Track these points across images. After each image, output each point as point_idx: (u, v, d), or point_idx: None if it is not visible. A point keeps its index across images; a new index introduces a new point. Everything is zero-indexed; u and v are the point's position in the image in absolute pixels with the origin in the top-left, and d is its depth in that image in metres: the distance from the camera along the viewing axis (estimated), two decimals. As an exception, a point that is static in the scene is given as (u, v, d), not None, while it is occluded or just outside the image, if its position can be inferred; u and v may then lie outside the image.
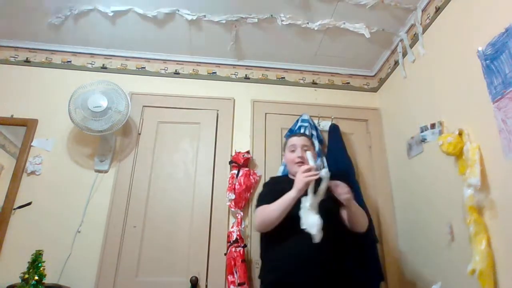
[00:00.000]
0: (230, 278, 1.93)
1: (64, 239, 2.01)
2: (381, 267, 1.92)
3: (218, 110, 2.44)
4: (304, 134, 1.89)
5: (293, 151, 1.68)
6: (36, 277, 1.62)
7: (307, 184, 1.41)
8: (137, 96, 2.40)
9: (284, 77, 2.64)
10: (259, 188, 2.22)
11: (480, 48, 1.51)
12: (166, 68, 2.56)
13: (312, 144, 1.79)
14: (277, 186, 1.62)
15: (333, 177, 1.47)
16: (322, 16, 2.17)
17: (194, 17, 2.18)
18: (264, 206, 1.53)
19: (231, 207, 2.12)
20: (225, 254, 2.01)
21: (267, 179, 2.24)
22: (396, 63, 2.33)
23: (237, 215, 2.10)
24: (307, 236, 1.32)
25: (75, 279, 1.91)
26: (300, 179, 1.42)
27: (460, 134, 1.56)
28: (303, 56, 2.55)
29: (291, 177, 1.65)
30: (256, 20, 2.19)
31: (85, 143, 2.25)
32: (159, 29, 2.29)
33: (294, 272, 1.40)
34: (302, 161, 1.62)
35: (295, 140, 1.71)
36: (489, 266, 1.34)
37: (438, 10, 1.88)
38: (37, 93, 2.35)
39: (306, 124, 2.22)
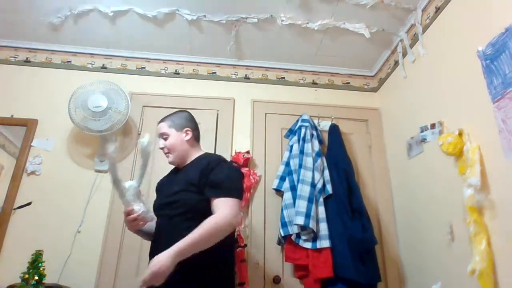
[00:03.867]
0: (230, 278, 1.93)
1: (64, 239, 2.01)
2: (378, 268, 1.92)
3: (218, 110, 2.44)
4: (162, 119, 1.62)
5: None
6: (36, 277, 1.62)
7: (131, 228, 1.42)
8: (137, 96, 2.40)
9: (284, 77, 2.64)
10: (259, 188, 2.24)
11: (480, 48, 1.51)
12: (166, 68, 2.56)
13: (174, 124, 1.58)
14: (159, 182, 1.68)
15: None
16: (322, 16, 2.17)
17: (194, 17, 2.18)
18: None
19: (231, 207, 2.12)
20: (225, 254, 2.01)
21: (267, 179, 2.25)
22: (396, 63, 2.33)
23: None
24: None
25: (75, 279, 1.91)
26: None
27: (460, 134, 1.56)
28: (303, 56, 2.55)
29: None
30: (256, 20, 2.19)
31: (85, 143, 2.25)
32: (159, 29, 2.29)
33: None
34: (166, 152, 1.57)
35: (157, 130, 1.62)
36: (489, 266, 1.34)
37: (438, 10, 1.88)
38: (37, 93, 2.35)
39: (306, 124, 2.21)
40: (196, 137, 1.63)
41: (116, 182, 1.35)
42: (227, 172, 1.45)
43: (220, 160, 1.52)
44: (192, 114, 2.36)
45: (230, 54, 2.52)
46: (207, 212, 1.32)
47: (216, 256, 1.34)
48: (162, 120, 1.62)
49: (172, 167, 1.65)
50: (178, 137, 1.56)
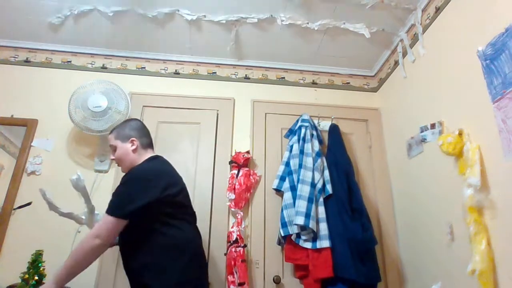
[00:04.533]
0: (230, 278, 1.93)
1: (64, 239, 2.01)
2: (378, 268, 1.92)
3: (218, 110, 2.44)
4: (110, 132, 1.69)
5: None
6: (36, 277, 1.62)
7: None
8: (137, 96, 2.40)
9: (284, 77, 2.64)
10: (259, 188, 2.24)
11: (480, 48, 1.51)
12: (166, 68, 2.56)
13: (118, 135, 1.63)
14: None
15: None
16: (322, 16, 2.17)
17: (194, 17, 2.18)
18: None
19: (231, 207, 2.12)
20: (225, 254, 2.01)
21: (267, 179, 2.25)
22: (396, 63, 2.33)
23: (237, 215, 2.10)
24: None
25: (75, 279, 1.89)
26: None
27: (460, 134, 1.56)
28: (303, 56, 2.55)
29: None
30: (256, 20, 2.19)
31: (85, 143, 2.25)
32: (159, 29, 2.29)
33: None
34: (117, 163, 1.65)
35: None
36: (489, 266, 1.34)
37: (438, 10, 1.88)
38: (37, 93, 2.35)
39: (306, 124, 2.21)
40: (144, 145, 1.64)
41: (66, 215, 1.54)
42: (123, 183, 1.47)
43: (131, 172, 1.53)
44: (192, 114, 2.39)
45: (230, 54, 2.52)
46: (137, 222, 1.41)
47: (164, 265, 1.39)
48: (110, 132, 1.68)
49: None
50: (123, 148, 1.61)
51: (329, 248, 1.87)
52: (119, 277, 1.96)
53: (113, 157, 1.64)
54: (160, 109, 2.40)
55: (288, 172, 2.12)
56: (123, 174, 1.58)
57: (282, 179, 2.14)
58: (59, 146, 2.24)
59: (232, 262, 1.94)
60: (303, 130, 2.19)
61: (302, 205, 1.91)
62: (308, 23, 2.21)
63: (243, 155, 2.22)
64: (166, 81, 2.52)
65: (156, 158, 1.62)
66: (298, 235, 1.94)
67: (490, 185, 1.41)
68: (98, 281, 1.96)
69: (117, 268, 1.98)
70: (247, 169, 2.20)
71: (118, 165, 1.66)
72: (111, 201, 1.44)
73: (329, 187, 2.03)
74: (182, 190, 1.57)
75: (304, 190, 1.96)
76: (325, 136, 2.32)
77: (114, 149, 1.63)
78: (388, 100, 2.48)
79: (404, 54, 2.22)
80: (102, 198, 2.10)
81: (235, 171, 2.19)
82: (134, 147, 1.60)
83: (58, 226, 2.03)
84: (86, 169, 2.19)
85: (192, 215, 1.62)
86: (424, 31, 2.01)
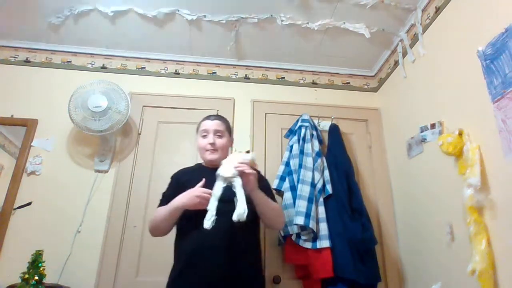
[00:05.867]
0: (230, 278, 1.93)
1: (64, 239, 2.01)
2: (378, 268, 1.92)
3: (218, 110, 2.43)
4: (219, 118, 1.69)
5: (204, 136, 1.60)
6: (36, 277, 1.62)
7: (195, 205, 1.32)
8: (137, 96, 2.40)
9: (284, 77, 2.64)
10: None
11: (480, 48, 1.51)
12: (166, 68, 2.56)
13: (228, 128, 1.67)
14: (183, 178, 1.56)
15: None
16: (322, 16, 2.17)
17: (194, 17, 2.18)
18: (159, 208, 1.49)
19: (231, 207, 2.12)
20: (225, 254, 2.01)
21: (267, 179, 2.23)
22: (396, 63, 2.33)
23: (237, 215, 2.09)
24: (204, 234, 1.27)
25: (75, 279, 1.91)
26: (193, 196, 1.32)
27: (460, 134, 1.56)
28: (303, 56, 2.55)
29: (204, 164, 1.64)
30: (256, 20, 2.19)
31: (85, 143, 2.25)
32: (159, 29, 2.29)
33: (192, 266, 1.38)
34: (214, 149, 1.56)
35: (207, 124, 1.61)
36: (489, 266, 1.34)
37: (438, 10, 1.88)
38: (37, 93, 2.35)
39: (306, 124, 2.21)
40: None
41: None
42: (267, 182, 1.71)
43: (260, 174, 1.69)
44: (192, 114, 2.39)
45: (230, 54, 2.52)
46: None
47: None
48: (218, 118, 1.67)
49: (188, 164, 1.75)
50: (228, 141, 1.65)
51: (329, 248, 1.87)
52: (119, 277, 1.96)
53: (212, 141, 1.56)
54: (160, 109, 2.40)
55: (288, 172, 2.12)
56: (208, 165, 1.59)
57: (282, 179, 2.14)
58: (59, 146, 2.24)
59: (232, 262, 1.94)
60: (303, 130, 2.19)
61: (302, 205, 1.91)
62: (308, 23, 2.21)
63: (243, 155, 2.21)
64: (166, 81, 2.52)
65: None
66: (298, 235, 1.94)
67: (490, 185, 1.41)
68: (98, 281, 1.95)
69: (117, 268, 1.98)
70: (247, 169, 2.19)
71: (213, 151, 1.57)
72: (272, 194, 1.64)
73: (329, 187, 2.03)
74: None
75: (304, 190, 1.96)
76: (325, 136, 2.32)
77: (219, 135, 1.60)
78: (388, 100, 2.48)
79: (404, 54, 2.22)
80: (102, 198, 2.13)
81: (235, 171, 2.18)
82: (229, 145, 1.69)
83: (58, 226, 2.04)
84: (86, 169, 2.19)
85: None
86: (424, 31, 2.01)
